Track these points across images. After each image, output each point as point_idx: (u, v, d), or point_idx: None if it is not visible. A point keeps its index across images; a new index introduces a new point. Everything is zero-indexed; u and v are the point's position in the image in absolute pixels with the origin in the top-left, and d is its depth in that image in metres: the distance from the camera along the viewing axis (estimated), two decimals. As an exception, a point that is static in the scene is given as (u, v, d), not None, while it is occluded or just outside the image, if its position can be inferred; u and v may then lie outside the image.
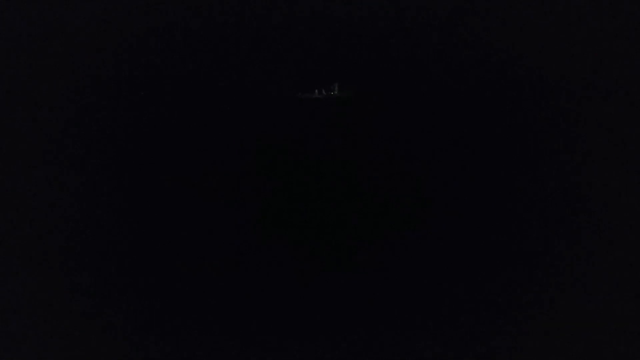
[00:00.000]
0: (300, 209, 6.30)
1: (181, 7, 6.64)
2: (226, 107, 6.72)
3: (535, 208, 5.98)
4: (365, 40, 6.75)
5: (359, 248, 6.03)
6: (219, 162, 6.50)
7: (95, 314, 5.64)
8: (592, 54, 5.97)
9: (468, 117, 6.44)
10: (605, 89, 6.01)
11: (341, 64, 6.78)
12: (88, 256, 6.00)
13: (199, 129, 6.66)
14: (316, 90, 6.77)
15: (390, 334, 5.31)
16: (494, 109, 6.39)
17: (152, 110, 6.74)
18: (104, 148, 6.58)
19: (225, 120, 6.68)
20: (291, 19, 6.77)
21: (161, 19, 6.70)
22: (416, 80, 6.61)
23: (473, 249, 5.84)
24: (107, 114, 6.70)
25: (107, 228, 6.22)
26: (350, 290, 5.70)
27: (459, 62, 6.52)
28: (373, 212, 6.23)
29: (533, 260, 5.64)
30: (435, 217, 6.11)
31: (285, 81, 6.82)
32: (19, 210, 6.18)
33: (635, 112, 5.88)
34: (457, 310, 5.44)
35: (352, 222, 6.21)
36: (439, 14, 6.55)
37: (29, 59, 6.41)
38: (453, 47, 6.53)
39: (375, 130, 6.56)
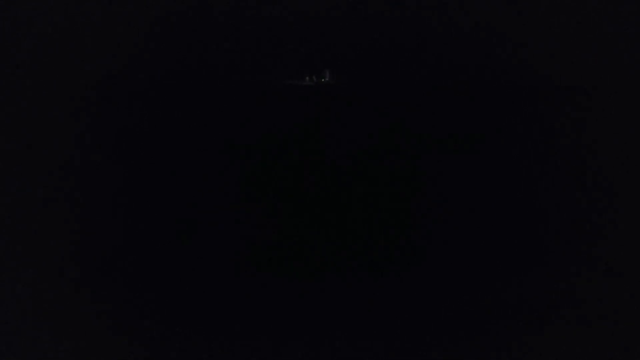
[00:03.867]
0: (290, 198, 6.34)
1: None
2: (214, 95, 6.55)
3: (537, 205, 6.14)
4: (356, 27, 6.66)
5: (350, 240, 6.16)
6: (207, 151, 6.40)
7: (95, 314, 5.65)
8: (594, 52, 6.08)
9: (463, 105, 6.52)
10: (608, 89, 6.12)
11: (332, 50, 6.69)
12: (89, 256, 5.92)
13: (185, 117, 6.50)
14: (307, 77, 6.70)
15: (391, 336, 5.52)
16: (489, 97, 6.45)
17: (139, 99, 6.49)
18: (96, 144, 6.34)
19: (212, 107, 6.53)
20: (281, 5, 6.56)
21: (145, 8, 6.33)
22: (409, 66, 6.65)
23: (470, 247, 6.03)
24: (98, 107, 6.41)
25: (107, 226, 6.12)
26: (346, 291, 5.84)
27: (453, 49, 6.58)
28: (365, 202, 6.36)
29: (535, 262, 5.84)
30: (432, 210, 6.25)
31: (274, 68, 6.69)
32: (19, 210, 6.01)
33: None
34: (458, 313, 5.65)
35: (344, 212, 6.30)
36: (431, 1, 6.54)
37: (28, 57, 6.00)
38: (447, 34, 6.57)
39: (367, 117, 6.61)
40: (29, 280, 5.78)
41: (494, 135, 6.27)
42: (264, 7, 6.44)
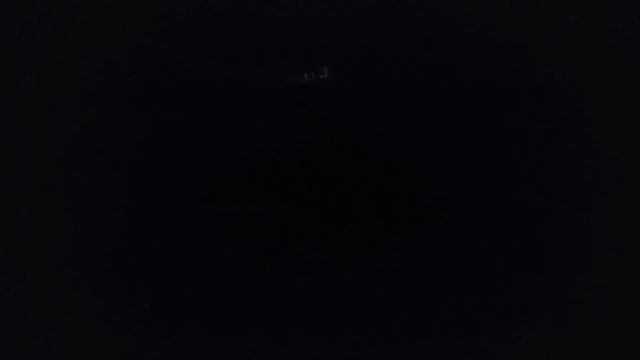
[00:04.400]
0: (289, 196, 6.29)
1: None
2: (213, 92, 6.49)
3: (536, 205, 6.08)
4: (354, 24, 6.62)
5: (349, 238, 6.12)
6: (206, 148, 6.35)
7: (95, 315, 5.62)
8: (595, 52, 6.01)
9: (461, 103, 6.47)
10: (608, 89, 6.04)
11: (330, 47, 6.65)
12: (89, 256, 5.89)
13: (185, 115, 6.43)
14: (305, 74, 6.65)
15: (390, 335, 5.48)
16: (487, 93, 6.41)
17: (138, 97, 6.43)
18: (96, 143, 6.30)
19: (211, 104, 6.47)
20: (280, 4, 6.50)
21: (146, 7, 6.25)
22: (407, 63, 6.61)
23: (471, 246, 5.98)
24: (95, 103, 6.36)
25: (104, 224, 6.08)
26: (346, 291, 5.80)
27: (451, 47, 6.53)
28: (363, 200, 6.31)
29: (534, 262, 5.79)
30: (431, 207, 6.21)
31: (273, 65, 6.64)
32: (18, 210, 5.98)
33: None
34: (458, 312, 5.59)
35: (342, 210, 6.25)
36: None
37: (28, 57, 5.95)
38: (444, 31, 6.53)
39: (365, 114, 6.57)
40: (29, 281, 5.74)
41: (493, 134, 6.26)
42: (263, 5, 6.38)
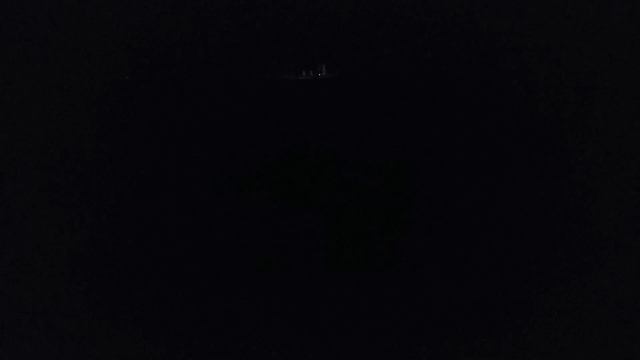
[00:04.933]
0: (287, 194, 6.29)
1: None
2: (211, 90, 6.48)
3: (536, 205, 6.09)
4: (353, 22, 6.61)
5: (348, 238, 6.12)
6: (203, 146, 6.35)
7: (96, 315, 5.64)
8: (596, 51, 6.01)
9: (460, 101, 6.48)
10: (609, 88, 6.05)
11: (328, 44, 6.64)
12: (91, 257, 5.91)
13: (183, 112, 6.43)
14: (303, 72, 6.65)
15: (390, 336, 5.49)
16: (489, 92, 6.42)
17: (136, 94, 6.41)
18: (95, 142, 6.29)
19: (210, 103, 6.46)
20: (278, 1, 6.49)
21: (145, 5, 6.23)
22: (405, 61, 6.61)
23: (470, 246, 5.98)
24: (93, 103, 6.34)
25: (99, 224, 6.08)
26: (346, 291, 5.81)
27: (450, 44, 6.53)
28: (364, 198, 6.31)
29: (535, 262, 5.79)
30: (430, 206, 6.22)
31: (272, 63, 6.63)
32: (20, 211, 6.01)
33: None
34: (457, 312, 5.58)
35: (342, 208, 6.26)
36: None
37: (29, 56, 5.93)
38: (443, 29, 6.53)
39: (364, 112, 6.58)
40: (29, 280, 5.75)
41: (493, 134, 6.27)
42: (261, 3, 6.36)
